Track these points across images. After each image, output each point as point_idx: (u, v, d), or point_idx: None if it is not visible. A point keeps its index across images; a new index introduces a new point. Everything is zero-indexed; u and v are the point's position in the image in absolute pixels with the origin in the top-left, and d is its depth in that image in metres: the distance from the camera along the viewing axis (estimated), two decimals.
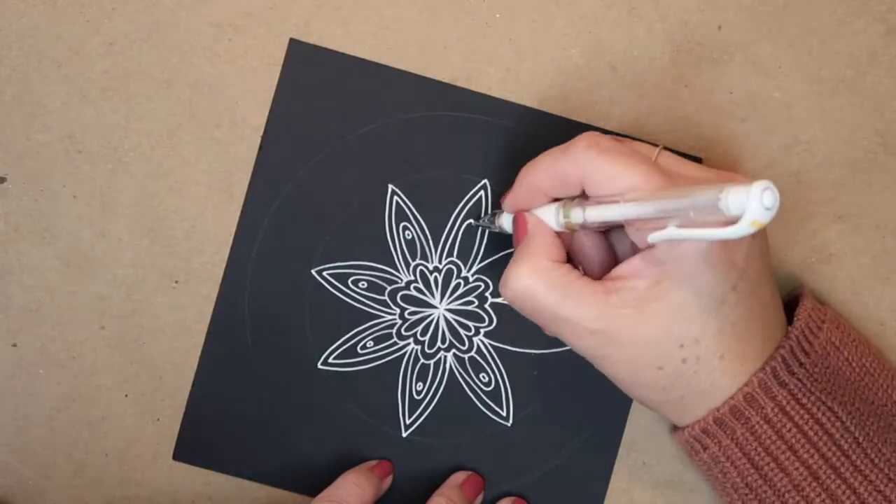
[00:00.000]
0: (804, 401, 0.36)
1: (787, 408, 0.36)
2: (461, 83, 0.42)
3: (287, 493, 0.43)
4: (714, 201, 0.29)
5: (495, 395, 0.43)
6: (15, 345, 0.43)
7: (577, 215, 0.36)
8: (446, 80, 0.42)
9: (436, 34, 0.42)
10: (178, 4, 0.42)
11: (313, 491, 0.42)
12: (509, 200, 0.39)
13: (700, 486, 0.43)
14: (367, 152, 0.42)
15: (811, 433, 0.36)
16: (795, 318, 0.38)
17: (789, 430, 0.36)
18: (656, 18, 0.42)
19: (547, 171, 0.37)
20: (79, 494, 0.43)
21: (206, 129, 0.42)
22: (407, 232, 0.42)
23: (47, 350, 0.43)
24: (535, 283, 0.36)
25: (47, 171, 0.42)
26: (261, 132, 0.42)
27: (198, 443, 0.43)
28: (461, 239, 0.42)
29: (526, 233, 0.38)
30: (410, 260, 0.42)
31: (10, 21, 0.42)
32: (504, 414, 0.43)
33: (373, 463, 0.42)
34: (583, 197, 0.36)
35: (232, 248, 0.42)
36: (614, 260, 0.39)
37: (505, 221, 0.40)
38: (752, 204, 0.28)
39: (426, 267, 0.42)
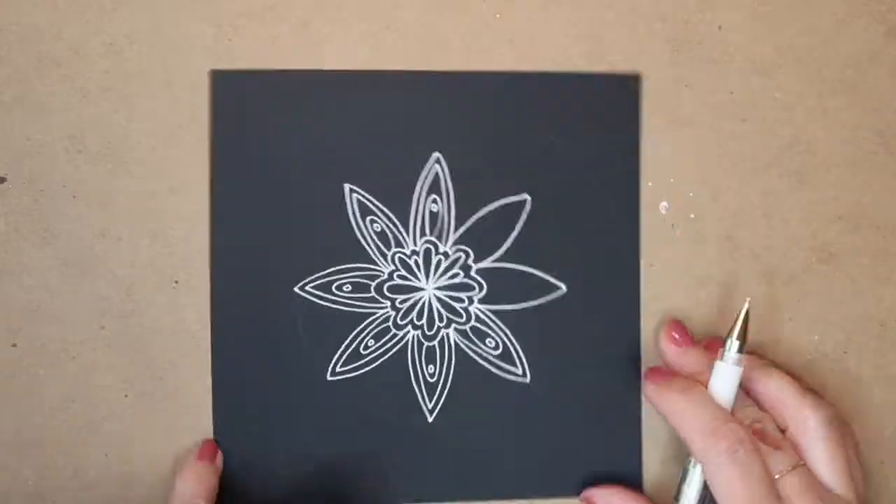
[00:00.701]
0: None
1: None
2: None
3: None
4: None
5: (506, 357, 0.43)
6: (15, 345, 0.43)
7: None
8: None
9: (436, 34, 0.42)
10: (178, 4, 0.42)
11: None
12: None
13: None
14: (314, 160, 0.42)
15: None
16: None
17: None
18: (656, 18, 0.42)
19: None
20: (79, 494, 0.43)
21: (205, 128, 0.42)
22: (375, 224, 0.42)
23: (47, 350, 0.43)
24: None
25: (47, 171, 0.42)
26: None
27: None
28: (430, 216, 0.42)
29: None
30: (386, 251, 0.42)
31: (10, 21, 0.42)
32: (520, 372, 0.43)
33: (195, 452, 0.42)
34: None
35: (213, 283, 0.42)
36: None
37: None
38: None
39: (404, 253, 0.42)
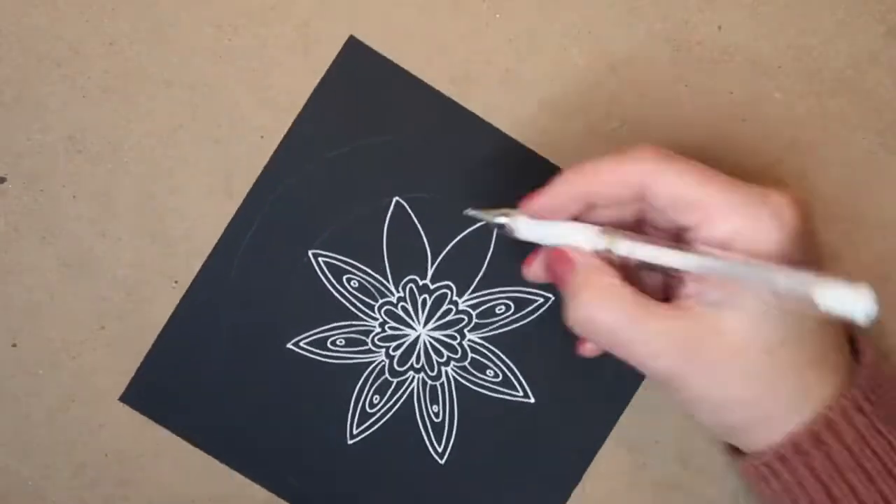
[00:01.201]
0: (882, 428, 0.35)
1: (867, 435, 0.34)
2: (461, 83, 0.42)
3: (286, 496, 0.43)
4: (807, 290, 0.30)
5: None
6: (15, 345, 0.43)
7: (624, 248, 0.35)
8: (446, 80, 0.42)
9: (436, 34, 0.42)
10: (178, 4, 0.42)
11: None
12: (541, 203, 0.36)
13: (700, 489, 0.43)
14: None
15: (889, 462, 0.34)
16: (862, 346, 0.37)
17: (869, 459, 0.34)
18: (656, 18, 0.42)
19: (606, 174, 0.35)
20: (79, 494, 0.43)
21: (206, 129, 0.42)
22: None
23: (47, 350, 0.43)
24: (601, 307, 0.34)
25: (47, 171, 0.42)
26: (261, 133, 0.42)
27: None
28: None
29: (572, 265, 0.36)
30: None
31: (10, 21, 0.42)
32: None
33: None
34: (624, 227, 0.36)
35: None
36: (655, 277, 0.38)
37: (523, 227, 0.37)
38: (858, 310, 0.30)
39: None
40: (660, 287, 0.38)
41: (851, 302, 0.29)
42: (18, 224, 0.42)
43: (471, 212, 0.39)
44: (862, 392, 0.35)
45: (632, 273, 0.37)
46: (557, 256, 0.36)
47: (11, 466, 0.43)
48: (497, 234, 0.41)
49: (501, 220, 0.38)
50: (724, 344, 0.34)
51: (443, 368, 0.42)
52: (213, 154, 0.42)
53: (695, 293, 0.34)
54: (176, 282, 0.42)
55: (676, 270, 0.34)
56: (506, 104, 0.42)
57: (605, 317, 0.34)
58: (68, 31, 0.42)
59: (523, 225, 0.37)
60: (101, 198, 0.42)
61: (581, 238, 0.36)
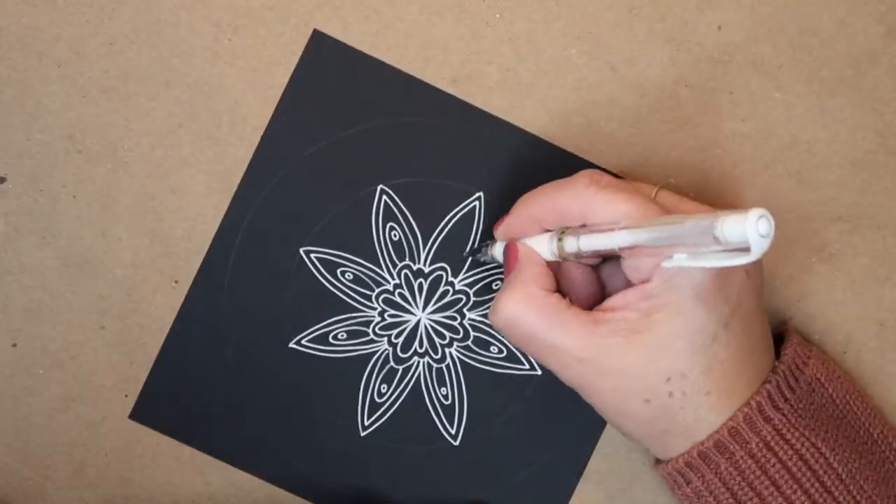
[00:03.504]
0: (788, 436, 0.36)
1: (772, 443, 0.36)
2: (461, 83, 0.42)
3: (286, 494, 0.43)
4: (710, 229, 0.30)
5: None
6: (15, 345, 0.43)
7: (571, 244, 0.36)
8: (446, 80, 0.42)
9: (436, 34, 0.42)
10: (178, 4, 0.42)
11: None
12: (503, 229, 0.40)
13: None
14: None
15: (794, 469, 0.36)
16: (782, 354, 0.39)
17: (773, 466, 0.36)
18: (656, 18, 0.42)
19: (547, 203, 0.38)
20: (79, 494, 0.43)
21: (206, 129, 0.42)
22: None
23: (47, 350, 0.43)
24: (524, 310, 0.36)
25: (47, 171, 0.42)
26: (261, 132, 0.42)
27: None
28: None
29: (517, 261, 0.38)
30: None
31: (10, 21, 0.42)
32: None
33: None
34: (575, 227, 0.37)
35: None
36: (602, 294, 0.39)
37: (497, 251, 0.40)
38: (749, 230, 0.29)
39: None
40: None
41: (743, 225, 0.29)
42: (18, 224, 0.42)
43: (464, 255, 0.42)
44: (770, 400, 0.37)
45: (576, 288, 0.39)
46: (508, 247, 0.39)
47: (11, 466, 0.43)
48: (485, 209, 0.43)
49: (485, 254, 0.41)
50: (625, 365, 0.35)
51: (446, 350, 0.43)
52: (213, 154, 0.42)
53: (621, 305, 0.36)
54: (176, 282, 0.42)
55: (612, 251, 0.35)
56: (505, 104, 0.42)
57: (525, 320, 0.36)
58: (68, 31, 0.42)
59: (499, 250, 0.40)
60: (101, 198, 0.42)
61: (538, 245, 0.38)
